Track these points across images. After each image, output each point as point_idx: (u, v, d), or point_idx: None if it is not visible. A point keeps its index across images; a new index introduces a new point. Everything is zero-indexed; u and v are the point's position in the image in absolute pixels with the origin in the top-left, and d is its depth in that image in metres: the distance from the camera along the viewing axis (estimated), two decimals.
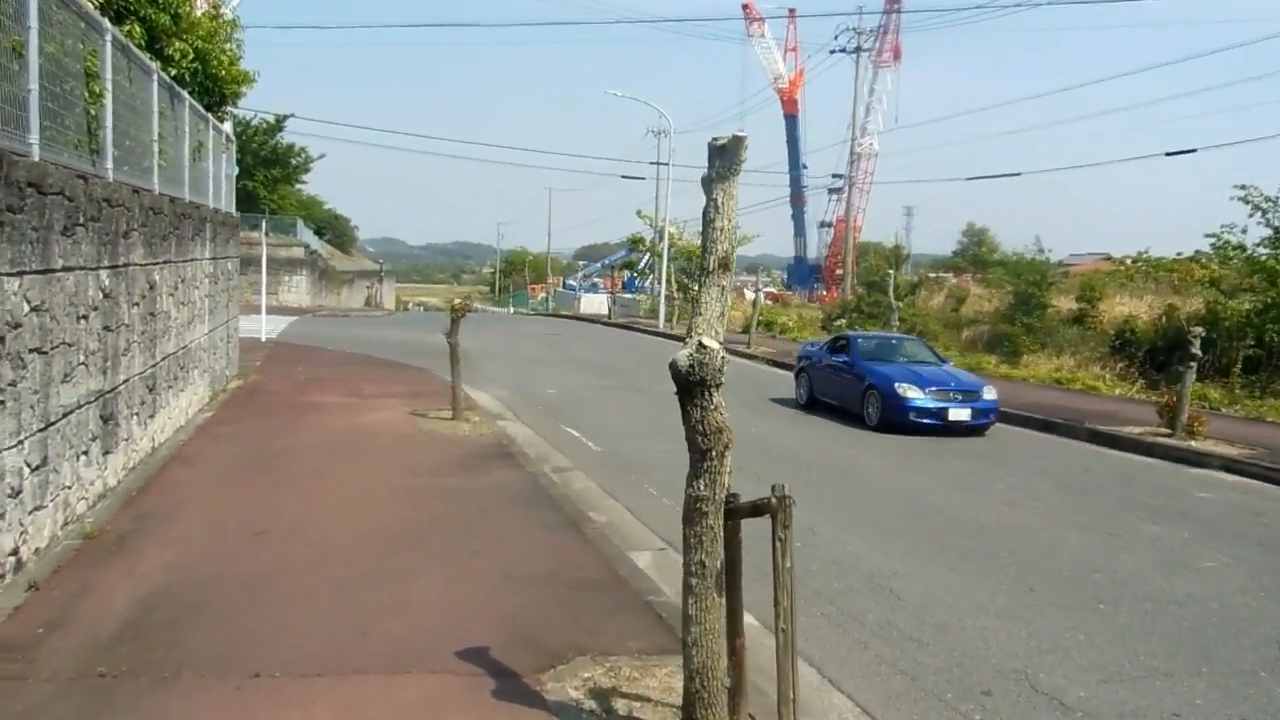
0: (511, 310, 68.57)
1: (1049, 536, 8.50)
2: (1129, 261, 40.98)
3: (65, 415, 6.56)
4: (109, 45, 7.82)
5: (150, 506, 7.58)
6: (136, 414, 8.77)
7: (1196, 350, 13.42)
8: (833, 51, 44.86)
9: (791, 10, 70.94)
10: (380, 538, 7.12)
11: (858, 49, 43.30)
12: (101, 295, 7.42)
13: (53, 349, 6.28)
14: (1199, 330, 13.70)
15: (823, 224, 74.29)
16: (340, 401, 13.88)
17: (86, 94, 7.33)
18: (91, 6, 7.81)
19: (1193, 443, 13.09)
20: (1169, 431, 13.62)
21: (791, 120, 71.97)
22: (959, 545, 8.08)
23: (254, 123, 48.08)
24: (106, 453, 7.70)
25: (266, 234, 26.14)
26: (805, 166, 73.15)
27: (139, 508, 7.53)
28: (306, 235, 52.81)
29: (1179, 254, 38.33)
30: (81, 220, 6.84)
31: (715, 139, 3.45)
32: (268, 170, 51.35)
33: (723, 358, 3.40)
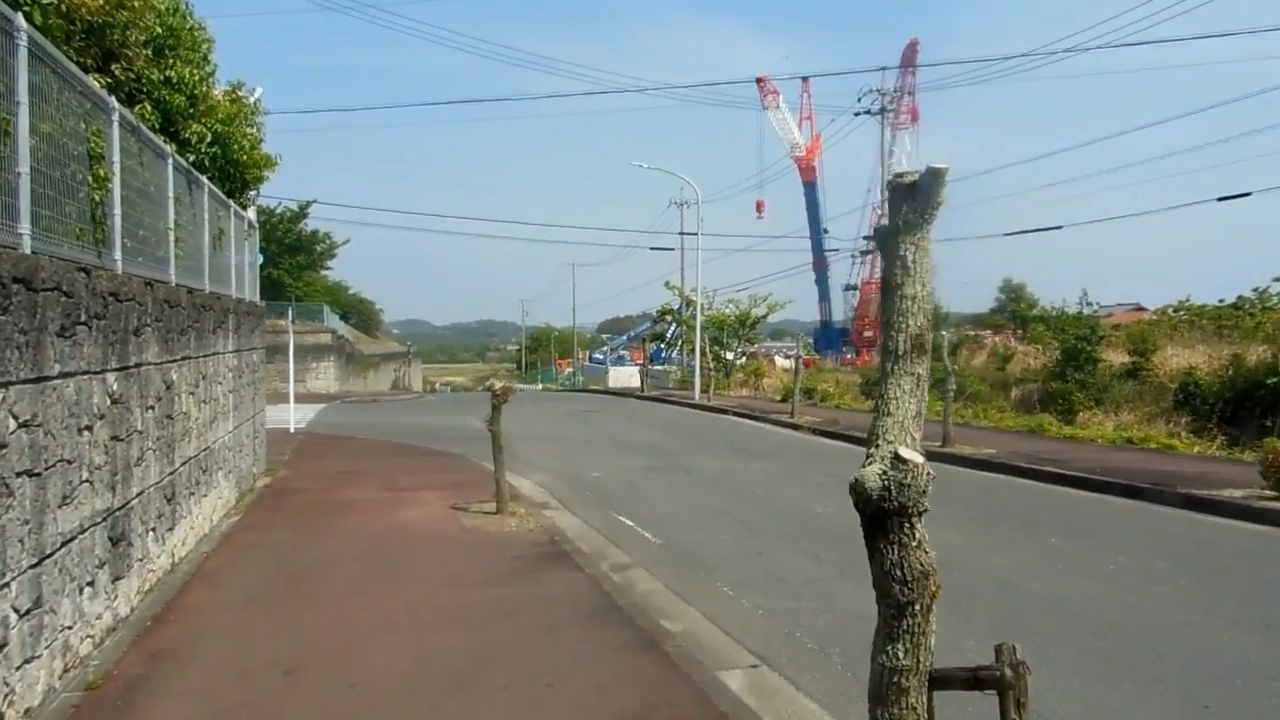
0: (540, 387, 67.84)
1: (1199, 633, 7.34)
2: (1170, 311, 39.82)
3: (65, 544, 5.65)
4: (116, 126, 7.10)
5: (166, 641, 6.61)
6: (153, 529, 7.86)
7: None
8: (857, 114, 44.54)
9: (805, 79, 71.31)
10: (434, 673, 6.09)
11: (882, 110, 42.88)
12: (109, 401, 6.56)
13: (48, 469, 5.39)
14: None
15: (848, 287, 73.70)
16: (375, 497, 12.94)
17: (91, 179, 6.57)
18: (97, 85, 7.11)
19: None
20: (1276, 494, 12.41)
21: (810, 187, 71.85)
22: (1095, 648, 6.95)
23: (278, 210, 48.23)
24: (117, 579, 6.77)
25: (293, 321, 25.55)
26: (826, 231, 72.84)
27: (153, 642, 6.56)
28: (333, 321, 52.56)
29: (1221, 301, 37.25)
30: (83, 318, 6.01)
31: (900, 175, 2.54)
32: (293, 258, 51.43)
33: (928, 475, 2.44)
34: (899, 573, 2.46)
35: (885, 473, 2.42)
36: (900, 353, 2.51)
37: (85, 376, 6.04)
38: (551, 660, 6.35)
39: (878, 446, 2.48)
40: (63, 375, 5.62)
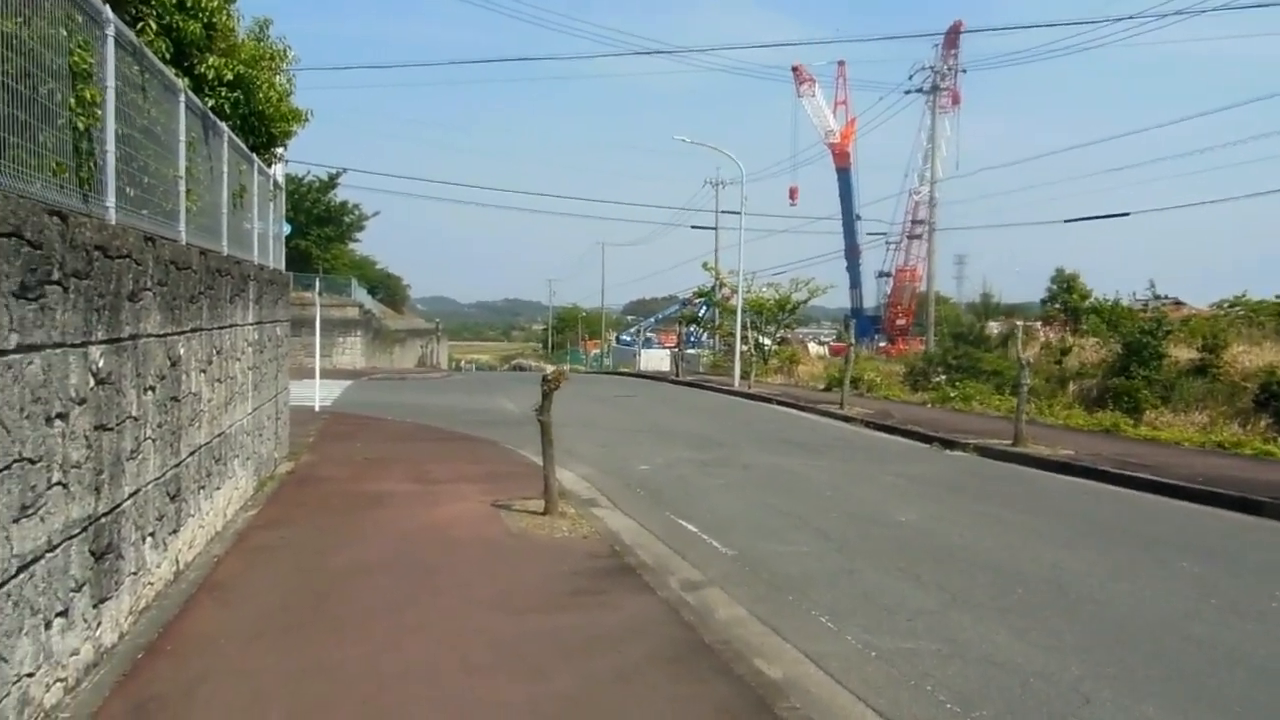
0: (568, 368, 66.63)
1: None
2: (1226, 306, 38.00)
3: (21, 570, 4.34)
4: (111, 42, 5.76)
5: (156, 685, 5.29)
6: (151, 534, 6.56)
7: None
8: (908, 91, 42.60)
9: (841, 63, 69.23)
10: None
11: (934, 88, 40.96)
12: (91, 381, 5.25)
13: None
14: None
15: (881, 274, 71.82)
16: (406, 490, 11.64)
17: (73, 101, 5.24)
18: None
19: None
20: None
21: (844, 173, 70.15)
22: None
23: (306, 179, 47.08)
24: (101, 601, 5.48)
25: (320, 294, 24.32)
26: (859, 218, 71.07)
27: (140, 687, 5.25)
28: (361, 295, 51.45)
29: (1279, 296, 35.38)
30: (56, 277, 4.68)
31: None
32: (321, 229, 50.27)
33: None
34: None
35: None
36: None
37: (57, 350, 4.72)
38: None
39: None
40: (22, 349, 4.30)
